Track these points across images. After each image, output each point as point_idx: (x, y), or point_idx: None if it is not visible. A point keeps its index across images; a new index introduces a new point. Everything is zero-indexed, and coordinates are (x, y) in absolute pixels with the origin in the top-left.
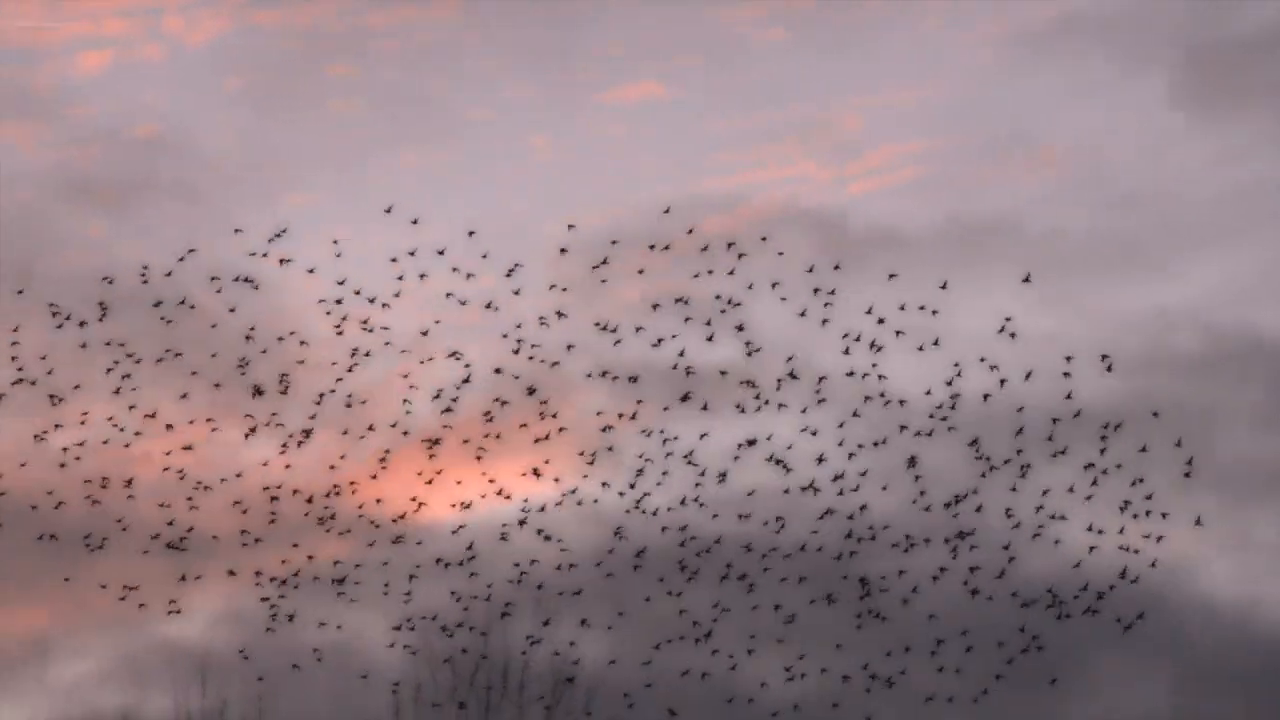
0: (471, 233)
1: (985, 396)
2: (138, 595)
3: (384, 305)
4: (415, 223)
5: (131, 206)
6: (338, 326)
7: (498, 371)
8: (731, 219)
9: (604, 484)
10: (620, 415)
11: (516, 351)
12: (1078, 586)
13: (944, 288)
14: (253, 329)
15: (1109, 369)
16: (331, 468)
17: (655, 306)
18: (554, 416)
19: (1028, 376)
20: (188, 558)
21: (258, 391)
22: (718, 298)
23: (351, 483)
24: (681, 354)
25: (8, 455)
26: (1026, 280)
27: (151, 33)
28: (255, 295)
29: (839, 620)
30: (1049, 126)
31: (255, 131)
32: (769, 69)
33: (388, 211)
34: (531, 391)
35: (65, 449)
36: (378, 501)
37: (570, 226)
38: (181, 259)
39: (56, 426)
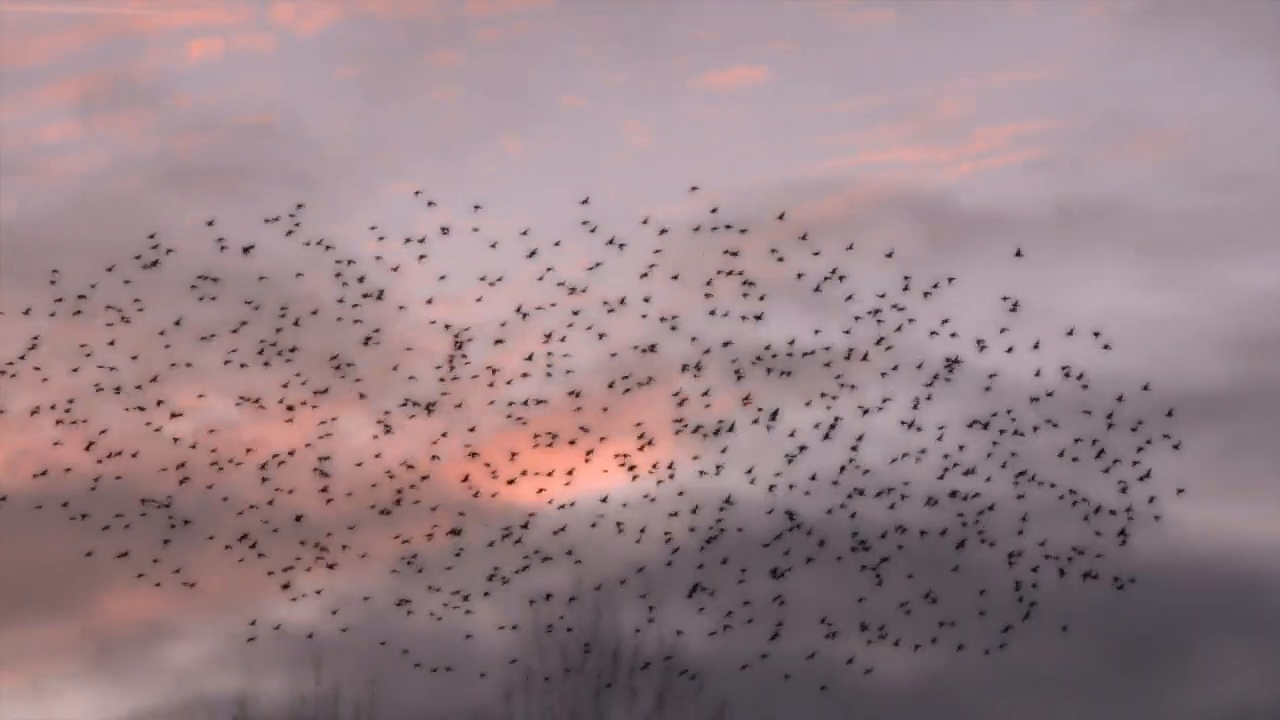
0: (580, 216)
1: (1094, 380)
2: (249, 580)
3: (484, 291)
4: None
5: (239, 194)
6: (439, 312)
7: (610, 354)
8: (833, 203)
9: (702, 471)
10: (720, 399)
11: (604, 335)
12: (1191, 570)
13: (1048, 271)
14: (359, 317)
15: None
16: (435, 457)
17: (753, 291)
18: (653, 400)
19: (1137, 359)
20: (297, 543)
21: (359, 378)
22: (820, 281)
23: (454, 470)
24: (789, 340)
25: (119, 443)
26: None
27: (260, 21)
28: (357, 282)
29: (947, 605)
30: (1158, 107)
31: (361, 119)
32: (870, 52)
33: (477, 209)
34: (629, 375)
35: (177, 438)
36: (487, 489)
37: (693, 188)
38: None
39: (172, 415)
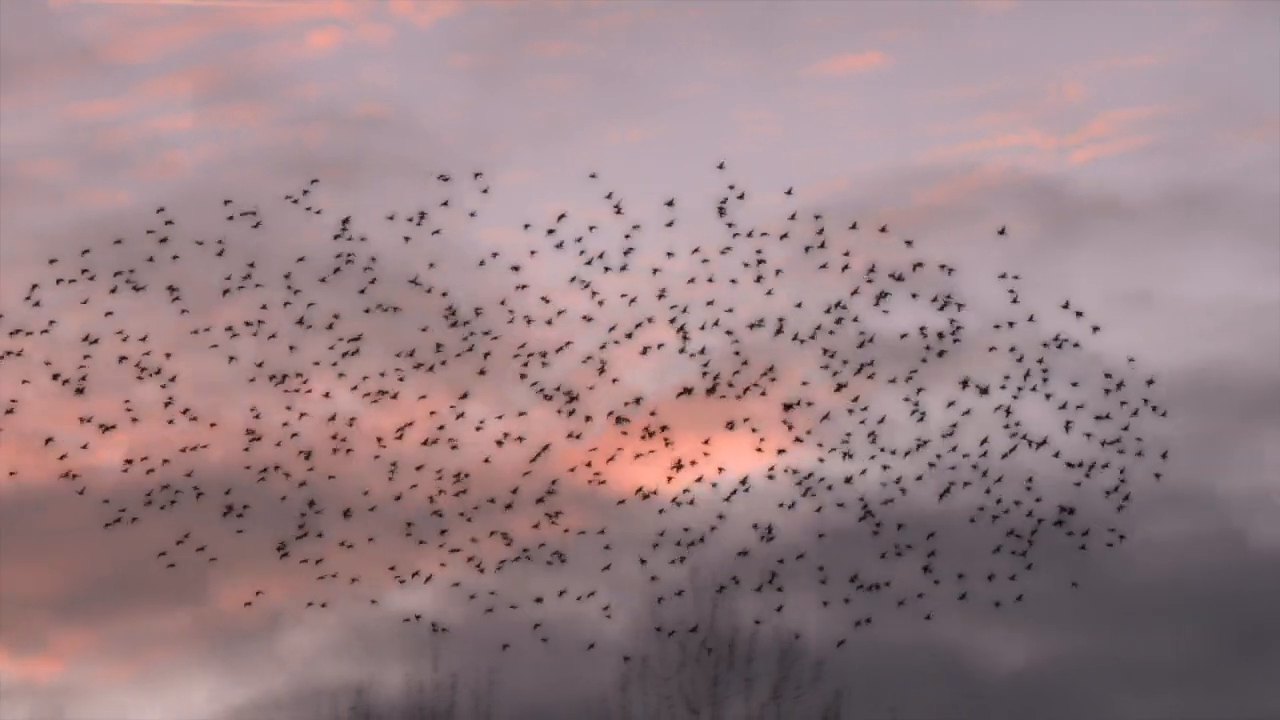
0: (693, 203)
1: (1207, 365)
2: (368, 569)
3: (599, 280)
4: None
5: (357, 184)
6: (555, 301)
7: (730, 341)
8: (952, 189)
9: (820, 459)
10: (839, 387)
11: (718, 322)
12: None
13: (1161, 256)
14: (476, 306)
15: None
16: (547, 446)
17: (869, 278)
18: (772, 389)
19: (1249, 344)
20: (415, 531)
21: (480, 369)
22: (936, 267)
23: (572, 460)
24: (905, 327)
25: (240, 434)
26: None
27: (378, 13)
28: (474, 271)
29: (1062, 591)
30: (1273, 91)
31: (476, 109)
32: (987, 38)
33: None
34: (747, 363)
35: (292, 430)
36: (607, 478)
37: (789, 192)
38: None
39: (287, 408)
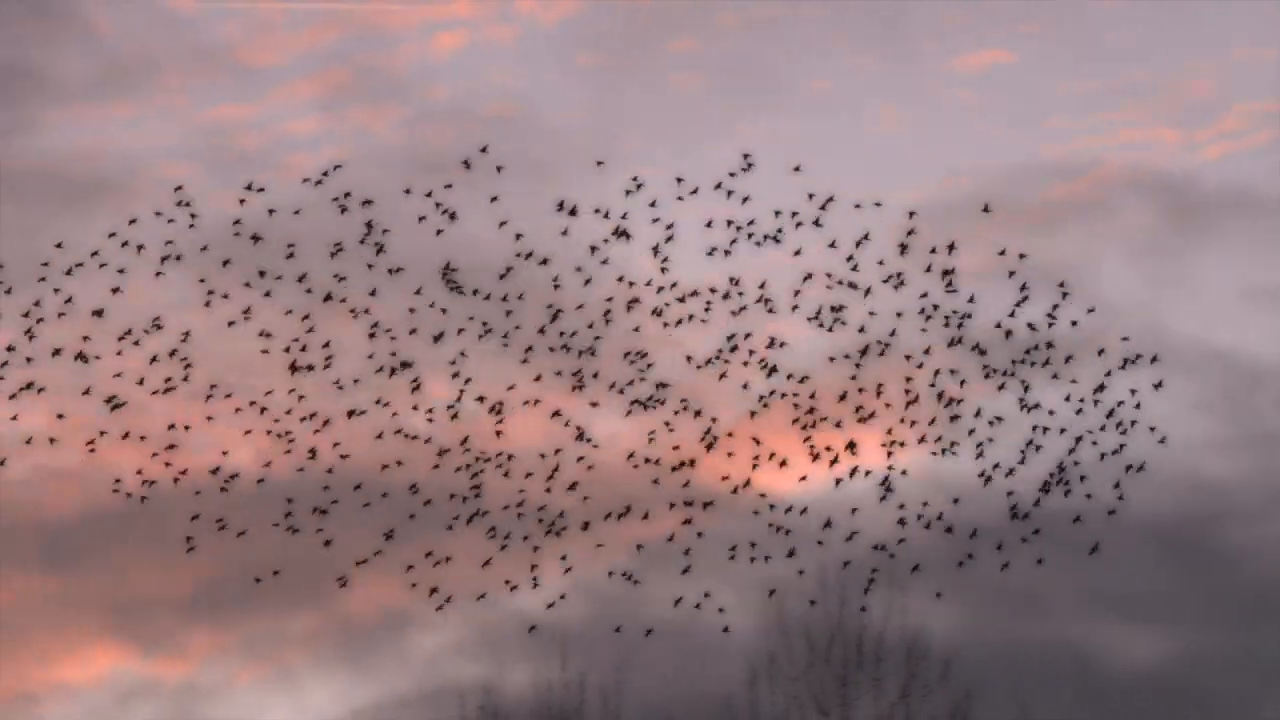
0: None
1: None
2: (493, 568)
3: (728, 277)
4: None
5: (483, 184)
6: (683, 298)
7: (861, 339)
8: (1079, 184)
9: (946, 451)
10: (962, 383)
11: (849, 320)
12: None
13: None
14: (602, 305)
15: None
16: (676, 447)
17: (1001, 273)
18: (899, 384)
19: None
20: (539, 530)
21: (604, 367)
22: (1065, 262)
23: (702, 460)
24: (1030, 326)
25: (369, 435)
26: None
27: (504, 13)
28: (597, 269)
29: (1191, 590)
30: None
31: (602, 107)
32: (1116, 31)
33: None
34: (876, 359)
35: (422, 432)
36: (734, 476)
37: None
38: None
39: (414, 408)
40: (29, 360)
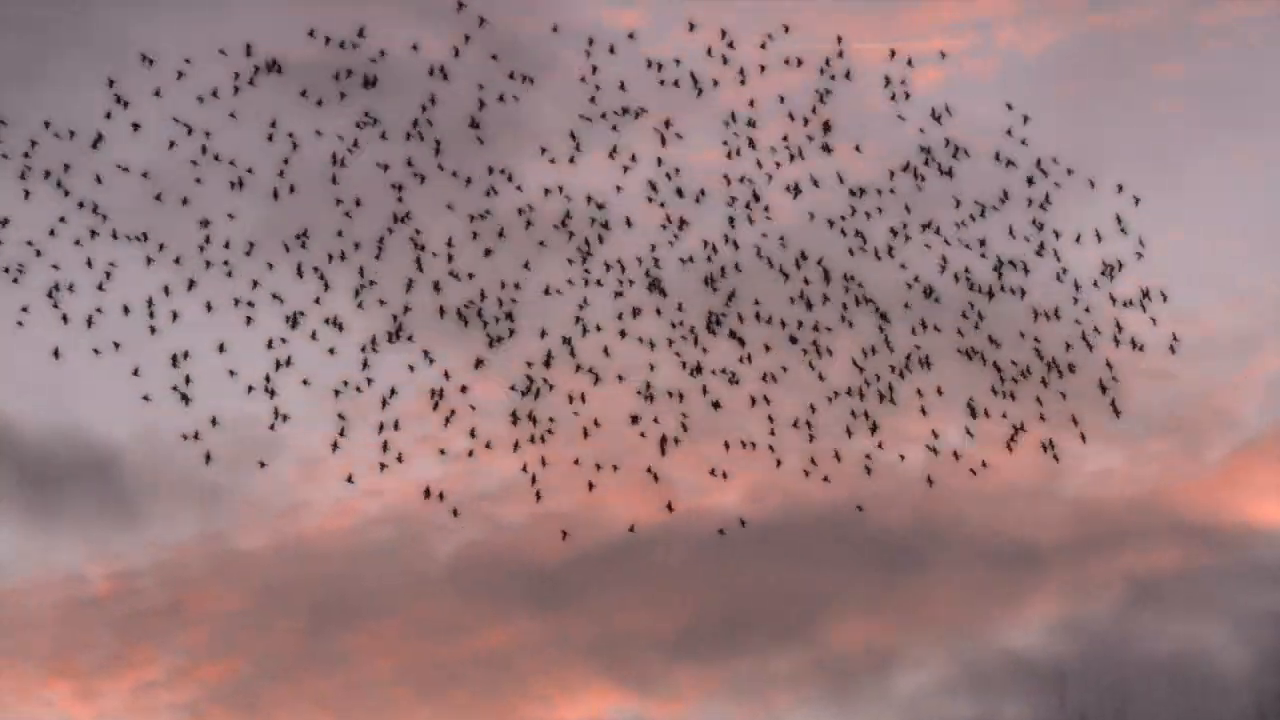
0: None
1: None
2: (979, 606)
3: (1216, 303)
4: None
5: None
6: (1159, 330)
7: None
8: None
9: None
10: None
11: None
12: None
13: None
14: (1078, 336)
15: None
16: (1165, 479)
17: None
18: None
19: None
20: (1027, 568)
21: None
22: None
23: (1187, 491)
24: None
25: (853, 471)
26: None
27: (984, 46)
28: (1073, 303)
29: None
30: None
31: (1085, 135)
32: None
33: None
34: None
35: (892, 466)
36: (1222, 510)
37: None
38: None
39: (879, 445)
40: (528, 416)
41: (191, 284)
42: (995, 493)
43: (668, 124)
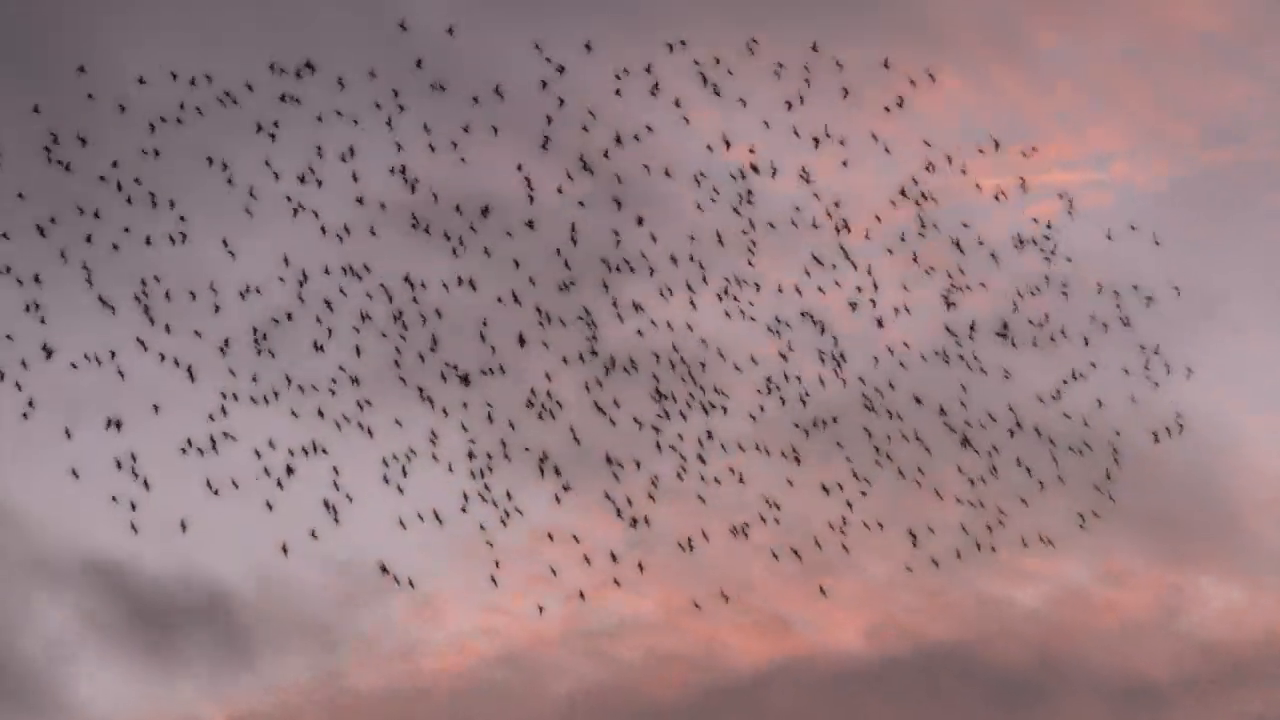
0: None
1: None
2: None
3: None
4: None
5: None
6: None
7: None
8: None
9: None
10: None
11: None
12: None
13: None
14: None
15: None
16: None
17: None
18: None
19: None
20: (1143, 704)
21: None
22: None
23: None
24: None
25: (973, 609)
26: None
27: (1099, 182)
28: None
29: None
30: None
31: (1191, 268)
32: None
33: None
34: None
35: (1021, 603)
36: None
37: None
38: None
39: (997, 582)
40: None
41: (304, 421)
42: (1115, 629)
43: (776, 260)
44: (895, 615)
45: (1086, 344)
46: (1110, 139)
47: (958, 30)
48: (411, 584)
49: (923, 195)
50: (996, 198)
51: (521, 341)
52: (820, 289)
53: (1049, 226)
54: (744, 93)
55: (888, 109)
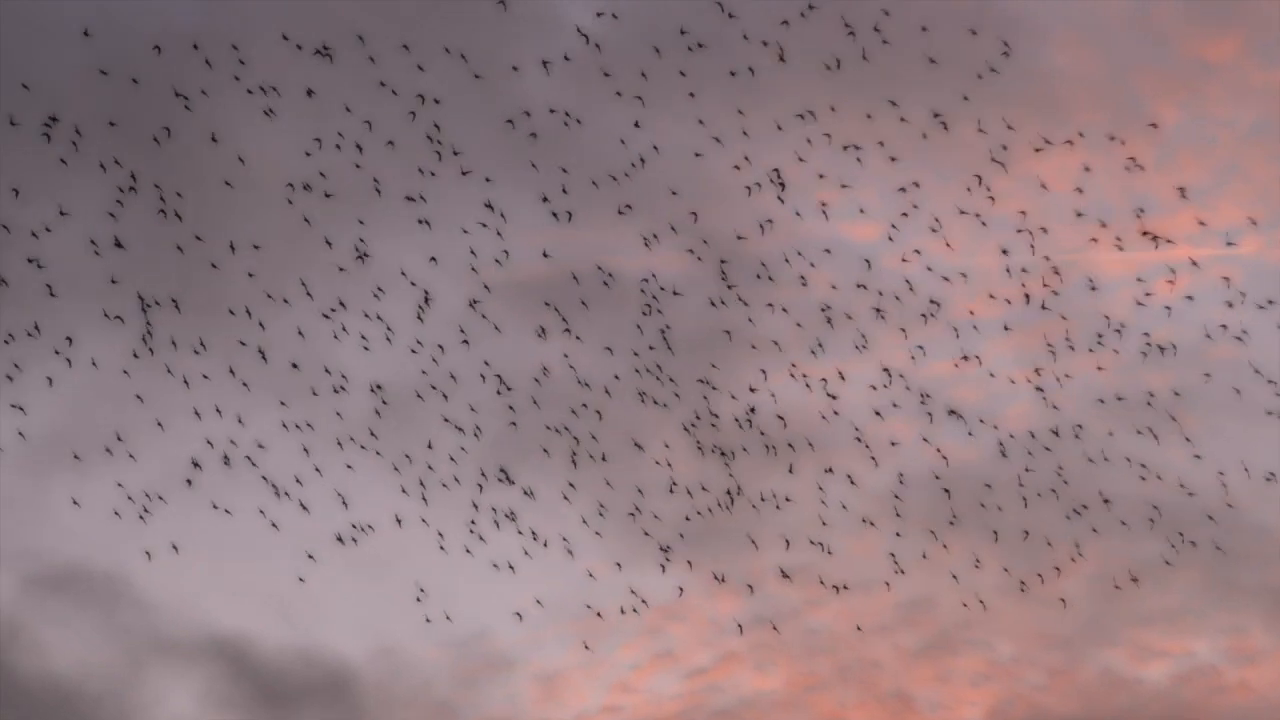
0: None
1: None
2: None
3: None
4: None
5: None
6: None
7: None
8: None
9: None
10: None
11: None
12: None
13: None
14: None
15: None
16: None
17: None
18: None
19: None
20: None
21: None
22: None
23: None
24: None
25: (1091, 688)
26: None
27: (1225, 256)
28: None
29: None
30: None
31: None
32: None
33: None
34: None
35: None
36: None
37: None
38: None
39: (1125, 659)
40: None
41: (425, 499)
42: (1247, 709)
43: (904, 334)
44: (1020, 693)
45: (1223, 424)
46: (1237, 214)
47: (1081, 106)
48: (534, 661)
49: (1051, 271)
50: (1121, 274)
51: (639, 418)
52: (955, 365)
53: (1176, 301)
54: (865, 168)
55: (1010, 183)
